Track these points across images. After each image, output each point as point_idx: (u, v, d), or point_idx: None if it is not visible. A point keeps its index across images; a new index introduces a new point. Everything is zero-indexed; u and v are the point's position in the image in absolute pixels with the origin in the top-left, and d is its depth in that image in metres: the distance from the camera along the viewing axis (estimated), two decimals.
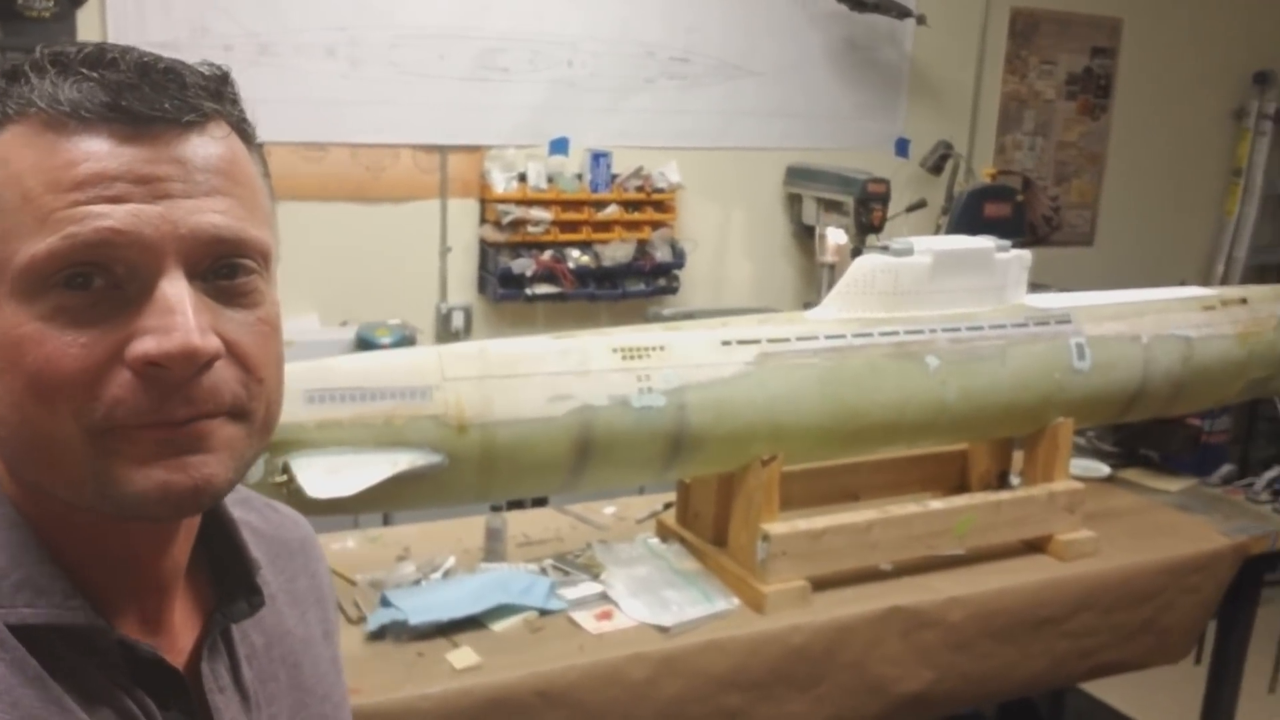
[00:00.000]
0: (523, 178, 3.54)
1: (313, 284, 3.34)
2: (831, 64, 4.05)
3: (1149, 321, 2.28)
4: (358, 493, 1.59)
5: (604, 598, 1.87)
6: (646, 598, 1.87)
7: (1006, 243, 2.16)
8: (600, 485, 1.90)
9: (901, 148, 4.21)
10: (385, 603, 1.77)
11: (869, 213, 3.72)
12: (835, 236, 3.85)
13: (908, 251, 2.05)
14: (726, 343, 1.87)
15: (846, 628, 1.88)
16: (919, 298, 2.06)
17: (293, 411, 1.60)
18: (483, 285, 3.62)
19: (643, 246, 3.69)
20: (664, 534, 2.12)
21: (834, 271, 3.91)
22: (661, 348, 1.83)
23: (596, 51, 3.64)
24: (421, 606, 1.75)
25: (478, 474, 1.72)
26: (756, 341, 1.89)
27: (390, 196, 3.47)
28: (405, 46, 3.38)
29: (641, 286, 3.73)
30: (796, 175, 4.01)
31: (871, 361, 1.96)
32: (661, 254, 3.71)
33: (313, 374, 1.64)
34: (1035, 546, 2.17)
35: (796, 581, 1.89)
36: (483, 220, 3.58)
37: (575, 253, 3.60)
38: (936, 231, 4.00)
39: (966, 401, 2.03)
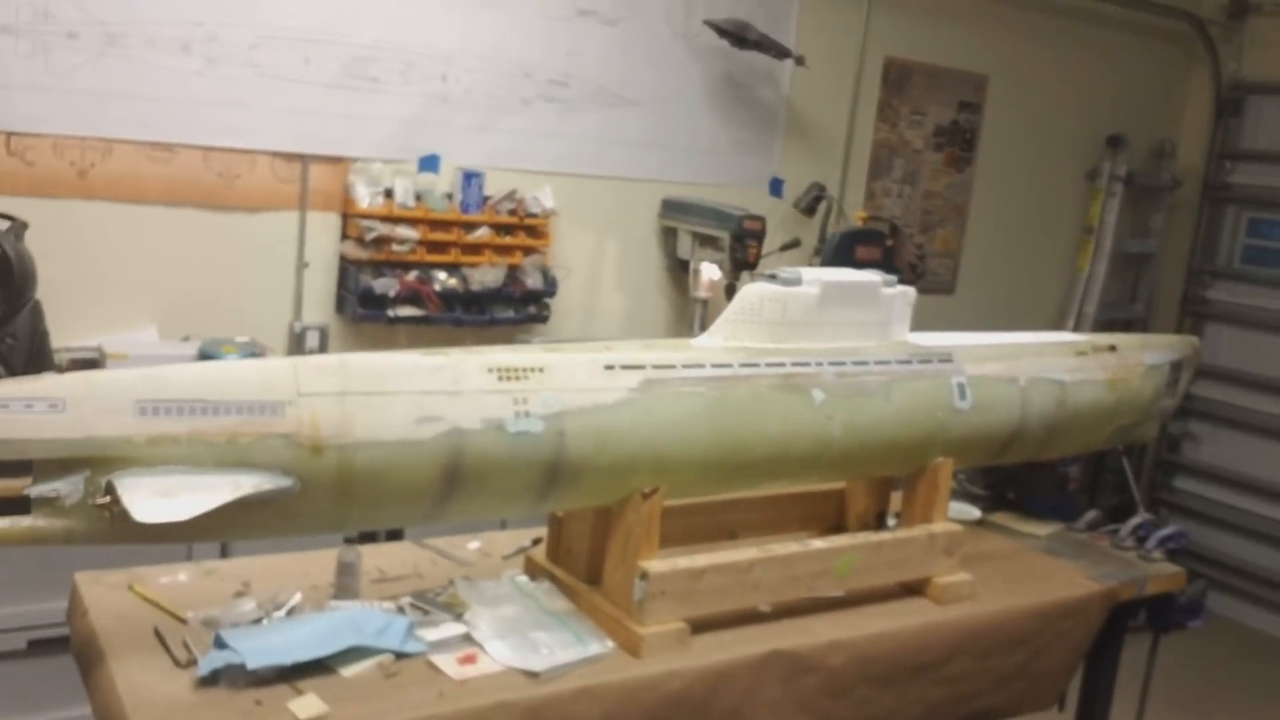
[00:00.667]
0: (389, 193, 3.38)
1: (153, 294, 3.06)
2: (710, 99, 4.02)
3: (1025, 364, 2.28)
4: (193, 518, 1.41)
5: (468, 639, 1.74)
6: (514, 640, 1.73)
7: (893, 278, 2.13)
8: (468, 516, 1.76)
9: (775, 187, 4.21)
10: (220, 644, 1.59)
11: (744, 249, 3.69)
12: (709, 272, 3.82)
13: (796, 281, 1.99)
14: (610, 367, 1.76)
15: (725, 673, 1.78)
16: (806, 329, 2.00)
17: (120, 424, 1.42)
18: (341, 304, 3.42)
19: (513, 272, 3.56)
20: (533, 571, 1.99)
21: (707, 307, 3.87)
22: (541, 369, 1.71)
23: (472, 67, 3.51)
24: (261, 648, 1.57)
25: (332, 501, 1.56)
26: (641, 367, 1.79)
27: (244, 205, 3.24)
28: (267, 47, 3.18)
29: (511, 313, 3.59)
30: (672, 208, 3.95)
31: (757, 392, 1.88)
32: (533, 280, 3.58)
33: (145, 382, 1.46)
34: (913, 589, 2.12)
35: (674, 623, 1.79)
36: (344, 236, 3.39)
37: (442, 275, 3.44)
38: None
39: (851, 437, 1.97)
